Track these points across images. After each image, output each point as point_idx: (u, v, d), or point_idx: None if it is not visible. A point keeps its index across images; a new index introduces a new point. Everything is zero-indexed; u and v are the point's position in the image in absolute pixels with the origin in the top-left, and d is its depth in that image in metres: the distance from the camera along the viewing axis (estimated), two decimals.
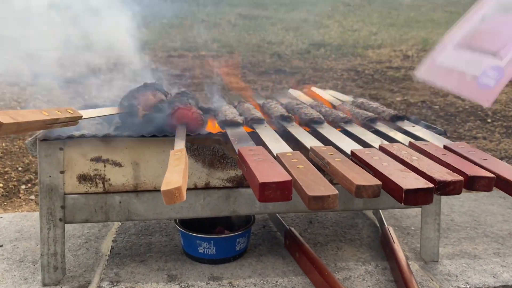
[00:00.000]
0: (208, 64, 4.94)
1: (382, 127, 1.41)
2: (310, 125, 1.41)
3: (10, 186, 2.08)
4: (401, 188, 0.80)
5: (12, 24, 1.60)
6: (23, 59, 1.57)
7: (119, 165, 1.29)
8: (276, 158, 0.99)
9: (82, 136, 1.24)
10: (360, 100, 1.77)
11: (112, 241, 1.58)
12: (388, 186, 0.85)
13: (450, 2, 12.05)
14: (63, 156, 1.25)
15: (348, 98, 1.91)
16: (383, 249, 1.56)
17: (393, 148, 1.07)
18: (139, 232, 1.65)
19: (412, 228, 1.75)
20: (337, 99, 1.93)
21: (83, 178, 1.28)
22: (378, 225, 1.74)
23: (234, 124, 1.36)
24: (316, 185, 0.79)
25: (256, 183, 0.74)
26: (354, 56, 5.35)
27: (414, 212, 1.89)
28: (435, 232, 1.48)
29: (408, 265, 1.38)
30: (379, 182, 0.83)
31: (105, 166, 1.29)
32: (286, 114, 1.46)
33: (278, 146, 1.10)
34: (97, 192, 1.29)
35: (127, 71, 1.90)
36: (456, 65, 1.02)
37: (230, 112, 1.48)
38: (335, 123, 1.43)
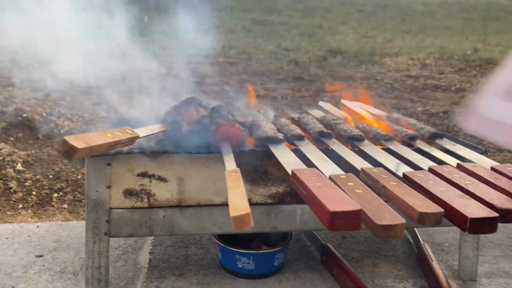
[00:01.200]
0: (227, 70, 4.96)
1: (423, 145, 1.41)
2: (351, 142, 1.41)
3: (43, 194, 2.11)
4: (465, 217, 0.81)
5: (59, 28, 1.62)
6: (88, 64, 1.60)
7: (164, 180, 1.31)
8: (331, 180, 0.99)
9: (130, 152, 1.26)
10: (396, 115, 1.77)
11: (149, 253, 1.60)
12: (450, 213, 0.85)
13: (465, 8, 12.00)
14: (110, 171, 1.27)
15: (380, 112, 1.91)
16: (420, 266, 1.56)
17: (444, 170, 1.07)
18: (175, 244, 1.67)
19: (446, 244, 1.75)
20: (370, 112, 1.93)
21: (129, 193, 1.30)
22: (412, 241, 1.74)
23: (275, 140, 1.37)
24: (382, 213, 0.80)
25: (326, 212, 0.75)
26: (372, 64, 5.34)
27: (446, 227, 1.88)
28: (474, 251, 1.48)
29: (448, 284, 1.37)
30: (442, 210, 0.83)
31: (150, 181, 1.30)
32: (325, 130, 1.46)
33: (328, 167, 1.10)
34: (142, 207, 1.31)
35: (146, 78, 1.92)
36: (507, 117, 1.01)
37: (269, 127, 1.49)
38: (376, 140, 1.44)
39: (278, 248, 1.45)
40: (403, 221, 0.77)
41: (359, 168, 1.11)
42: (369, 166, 1.13)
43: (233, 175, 0.97)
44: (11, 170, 2.28)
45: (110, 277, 1.44)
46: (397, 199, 0.89)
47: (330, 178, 1.00)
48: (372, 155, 1.27)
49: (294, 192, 1.38)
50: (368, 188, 0.93)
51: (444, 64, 5.43)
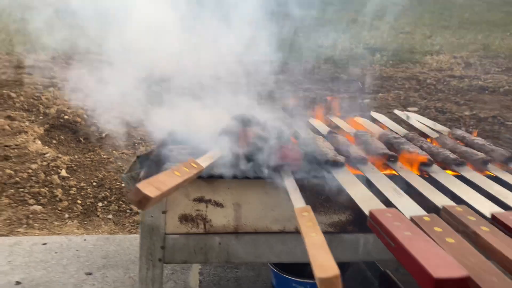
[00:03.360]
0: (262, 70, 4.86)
1: (499, 172, 1.30)
2: (419, 167, 1.31)
3: (88, 203, 2.09)
4: None
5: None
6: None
7: (220, 205, 1.25)
8: (412, 220, 0.91)
9: None
10: (459, 132, 1.65)
11: (199, 273, 1.55)
12: None
13: (507, 1, 11.46)
14: (166, 197, 1.22)
15: (439, 127, 1.80)
16: None
17: None
18: (224, 264, 1.61)
19: None
20: (428, 126, 1.81)
21: (184, 218, 1.25)
22: None
23: (336, 164, 1.28)
24: (487, 275, 0.70)
25: (428, 278, 0.67)
26: (412, 63, 5.15)
27: None
28: None
29: None
30: None
31: (207, 206, 1.24)
32: (390, 152, 1.37)
33: (406, 203, 1.01)
34: (198, 232, 1.25)
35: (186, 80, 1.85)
36: None
37: (326, 147, 1.40)
38: (445, 165, 1.33)
39: None
40: None
41: (439, 205, 1.01)
42: (449, 202, 1.03)
43: (305, 215, 0.89)
44: (56, 176, 2.28)
45: None
46: (496, 253, 0.80)
47: (413, 220, 0.91)
48: (447, 185, 1.17)
49: (357, 220, 1.30)
50: (459, 236, 0.83)
51: (489, 63, 5.18)
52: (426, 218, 0.91)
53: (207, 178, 1.21)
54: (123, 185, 2.24)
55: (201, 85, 1.77)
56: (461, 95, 4.10)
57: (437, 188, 1.12)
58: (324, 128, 1.79)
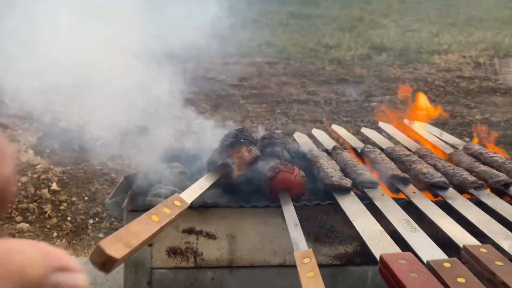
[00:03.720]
0: (265, 71, 4.73)
1: None
2: (433, 191, 1.18)
3: (78, 220, 1.98)
4: None
5: None
6: None
7: (213, 237, 1.12)
8: (428, 267, 0.78)
9: None
10: (476, 147, 1.51)
11: None
12: None
13: None
14: None
15: (456, 140, 1.66)
16: None
17: None
18: None
19: None
20: (441, 139, 1.68)
21: (173, 251, 1.12)
22: None
23: (342, 189, 1.16)
24: None
25: None
26: (420, 63, 4.99)
27: None
28: None
29: None
30: None
31: (197, 238, 1.12)
32: (401, 174, 1.24)
33: (420, 241, 0.88)
34: (188, 267, 1.13)
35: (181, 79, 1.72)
36: None
37: (330, 167, 1.28)
38: (462, 188, 1.20)
39: None
40: None
41: (459, 244, 0.88)
42: (470, 238, 0.90)
43: (306, 262, 0.76)
44: (45, 190, 2.17)
45: None
46: None
47: (430, 266, 0.78)
48: (465, 215, 1.04)
49: (366, 251, 1.17)
50: None
51: (500, 62, 5.01)
52: (446, 264, 0.78)
53: (198, 207, 1.09)
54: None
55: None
56: (471, 97, 3.94)
57: (455, 220, 1.00)
58: (328, 142, 1.67)
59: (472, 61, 5.08)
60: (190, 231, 1.12)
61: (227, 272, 1.14)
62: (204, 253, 1.13)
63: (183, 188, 1.36)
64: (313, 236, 1.14)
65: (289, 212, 1.01)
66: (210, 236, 1.12)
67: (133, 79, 1.58)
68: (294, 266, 1.13)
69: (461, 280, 0.74)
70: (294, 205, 1.08)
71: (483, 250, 0.84)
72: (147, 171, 1.36)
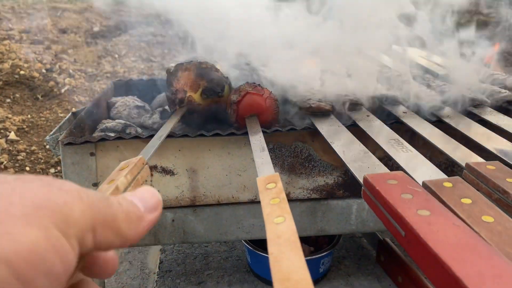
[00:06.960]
0: None
1: None
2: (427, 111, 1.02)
3: (38, 170, 1.80)
4: None
5: None
6: None
7: (170, 173, 0.95)
8: (426, 188, 0.62)
9: (121, 138, 0.90)
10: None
11: (160, 251, 1.28)
12: None
13: None
14: (95, 164, 0.92)
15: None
16: None
17: None
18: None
19: None
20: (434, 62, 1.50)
21: None
22: None
23: (321, 113, 0.99)
24: None
25: None
26: None
27: None
28: None
29: None
30: None
31: (152, 174, 0.95)
32: (389, 94, 1.06)
33: (413, 160, 0.72)
34: None
35: None
36: None
37: (309, 91, 1.10)
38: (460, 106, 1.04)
39: (325, 253, 1.11)
40: None
41: (461, 162, 0.72)
42: (474, 156, 0.75)
43: (272, 188, 0.60)
44: (2, 140, 1.97)
45: (111, 286, 1.14)
46: None
47: (427, 187, 0.62)
48: (465, 133, 0.88)
49: (350, 182, 1.02)
50: (500, 211, 0.55)
51: None
52: (447, 184, 0.62)
53: (148, 137, 0.91)
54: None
55: None
56: None
57: (446, 132, 0.84)
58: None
59: None
60: None
61: (189, 213, 0.98)
62: (162, 192, 0.96)
63: (138, 123, 1.18)
64: (287, 167, 0.98)
65: (256, 137, 0.84)
66: (166, 171, 0.95)
67: None
68: None
69: (466, 200, 0.58)
70: (264, 131, 0.91)
71: (490, 167, 0.68)
72: (96, 105, 1.18)
